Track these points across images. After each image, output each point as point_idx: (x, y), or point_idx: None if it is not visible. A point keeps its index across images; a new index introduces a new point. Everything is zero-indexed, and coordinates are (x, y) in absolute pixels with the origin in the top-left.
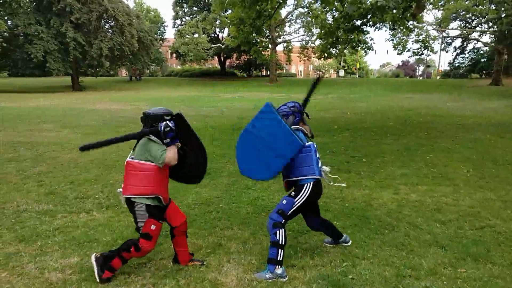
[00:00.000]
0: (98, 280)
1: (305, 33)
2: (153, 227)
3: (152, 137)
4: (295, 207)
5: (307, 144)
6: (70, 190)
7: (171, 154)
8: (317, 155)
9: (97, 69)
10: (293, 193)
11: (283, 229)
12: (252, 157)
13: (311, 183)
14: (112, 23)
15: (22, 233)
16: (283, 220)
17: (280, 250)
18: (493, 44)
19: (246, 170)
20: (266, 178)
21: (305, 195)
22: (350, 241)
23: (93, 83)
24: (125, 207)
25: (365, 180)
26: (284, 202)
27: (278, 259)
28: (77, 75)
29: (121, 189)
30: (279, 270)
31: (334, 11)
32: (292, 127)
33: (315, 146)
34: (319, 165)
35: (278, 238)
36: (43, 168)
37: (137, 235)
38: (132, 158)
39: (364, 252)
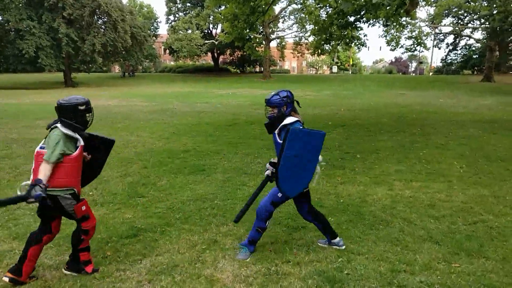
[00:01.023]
0: (90, 273)
1: (299, 29)
2: (83, 207)
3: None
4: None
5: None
6: None
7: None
8: None
9: (90, 65)
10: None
11: (270, 216)
12: (298, 175)
13: None
14: (105, 19)
15: (16, 231)
16: (273, 209)
17: (260, 234)
18: (485, 40)
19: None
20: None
21: None
22: (344, 247)
23: (86, 79)
24: (120, 204)
25: (359, 176)
26: (280, 194)
27: (255, 245)
28: (69, 71)
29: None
30: (249, 251)
31: (327, 7)
32: (289, 118)
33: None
34: None
35: (263, 224)
36: None
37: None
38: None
39: (359, 247)
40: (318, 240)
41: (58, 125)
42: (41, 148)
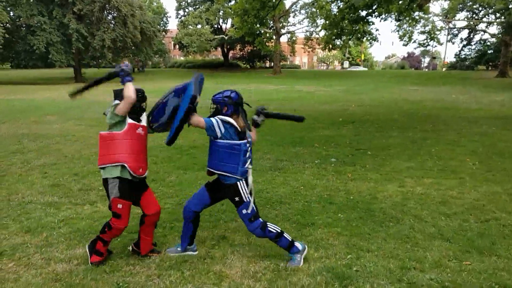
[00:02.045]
0: (89, 263)
1: (310, 24)
2: (119, 205)
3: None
4: (252, 205)
5: (238, 142)
6: (74, 182)
7: (126, 90)
8: (247, 155)
9: (100, 61)
10: (237, 199)
11: (266, 224)
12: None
13: (237, 183)
14: (115, 14)
15: (28, 225)
16: (260, 220)
17: (283, 236)
18: (500, 35)
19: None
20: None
21: (246, 191)
22: (196, 252)
23: (96, 74)
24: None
25: (370, 173)
26: (244, 211)
27: (291, 240)
28: (79, 66)
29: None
30: (299, 245)
31: (339, 1)
32: (219, 117)
33: (247, 145)
34: (246, 166)
35: (274, 231)
36: (47, 160)
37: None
38: None
39: (369, 244)
40: (167, 249)
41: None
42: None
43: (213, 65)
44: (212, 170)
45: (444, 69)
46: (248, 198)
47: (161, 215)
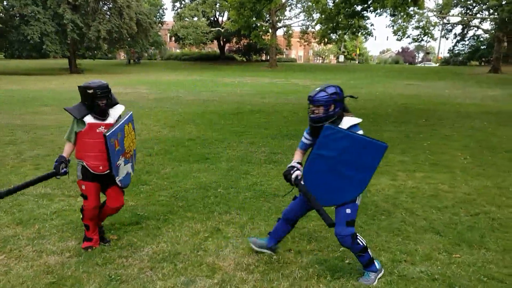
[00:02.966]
0: (83, 248)
1: (306, 18)
2: (83, 187)
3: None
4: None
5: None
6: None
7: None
8: None
9: (95, 52)
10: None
11: (357, 235)
12: (331, 183)
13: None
14: (110, 5)
15: (20, 217)
16: (354, 228)
17: (367, 252)
18: (493, 31)
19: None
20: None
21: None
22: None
23: (91, 65)
24: (130, 191)
25: None
26: (348, 211)
27: (371, 258)
28: (74, 57)
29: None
30: (377, 265)
31: None
32: (346, 119)
33: None
34: None
35: (361, 244)
36: (40, 152)
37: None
38: None
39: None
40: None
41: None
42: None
43: (209, 58)
44: None
45: (437, 64)
46: (359, 200)
47: (155, 207)
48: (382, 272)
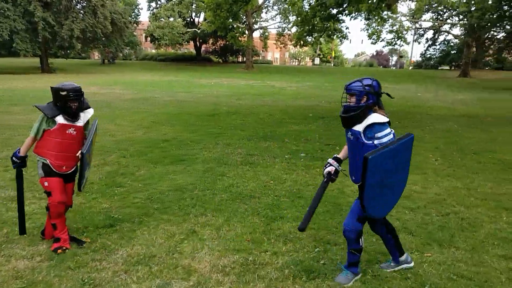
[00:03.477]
0: (52, 250)
1: (282, 20)
2: (46, 183)
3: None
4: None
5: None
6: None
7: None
8: None
9: (68, 51)
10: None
11: (362, 234)
12: (386, 197)
13: None
14: (84, 4)
15: None
16: (362, 226)
17: (360, 253)
18: (463, 36)
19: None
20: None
21: None
22: (412, 263)
23: (64, 65)
24: (97, 194)
25: None
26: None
27: (359, 260)
28: (46, 56)
29: None
30: (357, 269)
31: None
32: (375, 115)
33: (394, 135)
34: None
35: (361, 244)
36: (10, 153)
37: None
38: None
39: (336, 238)
40: (380, 265)
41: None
42: None
43: (185, 58)
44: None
45: (410, 67)
46: None
47: (130, 209)
48: (359, 276)
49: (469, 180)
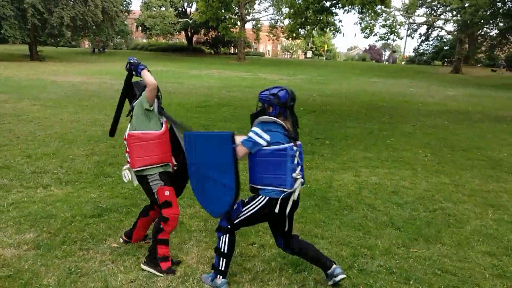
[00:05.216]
0: (162, 275)
1: (275, 12)
2: (167, 193)
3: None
4: (242, 217)
5: (282, 146)
6: (27, 164)
7: (145, 78)
8: (296, 161)
9: (58, 39)
10: (246, 200)
11: (227, 235)
12: (205, 190)
13: (268, 198)
14: None
15: None
16: (229, 226)
17: (222, 258)
18: (455, 32)
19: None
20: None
21: (254, 208)
22: (342, 276)
23: (54, 53)
24: (85, 183)
25: (327, 162)
26: (235, 206)
27: (220, 268)
28: (35, 44)
29: (127, 166)
30: (218, 281)
31: None
32: (265, 116)
33: (294, 149)
34: (295, 174)
35: (220, 244)
36: None
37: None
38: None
39: (323, 231)
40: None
41: None
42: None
43: (176, 49)
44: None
45: (403, 62)
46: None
47: (118, 199)
48: None
49: (457, 177)
